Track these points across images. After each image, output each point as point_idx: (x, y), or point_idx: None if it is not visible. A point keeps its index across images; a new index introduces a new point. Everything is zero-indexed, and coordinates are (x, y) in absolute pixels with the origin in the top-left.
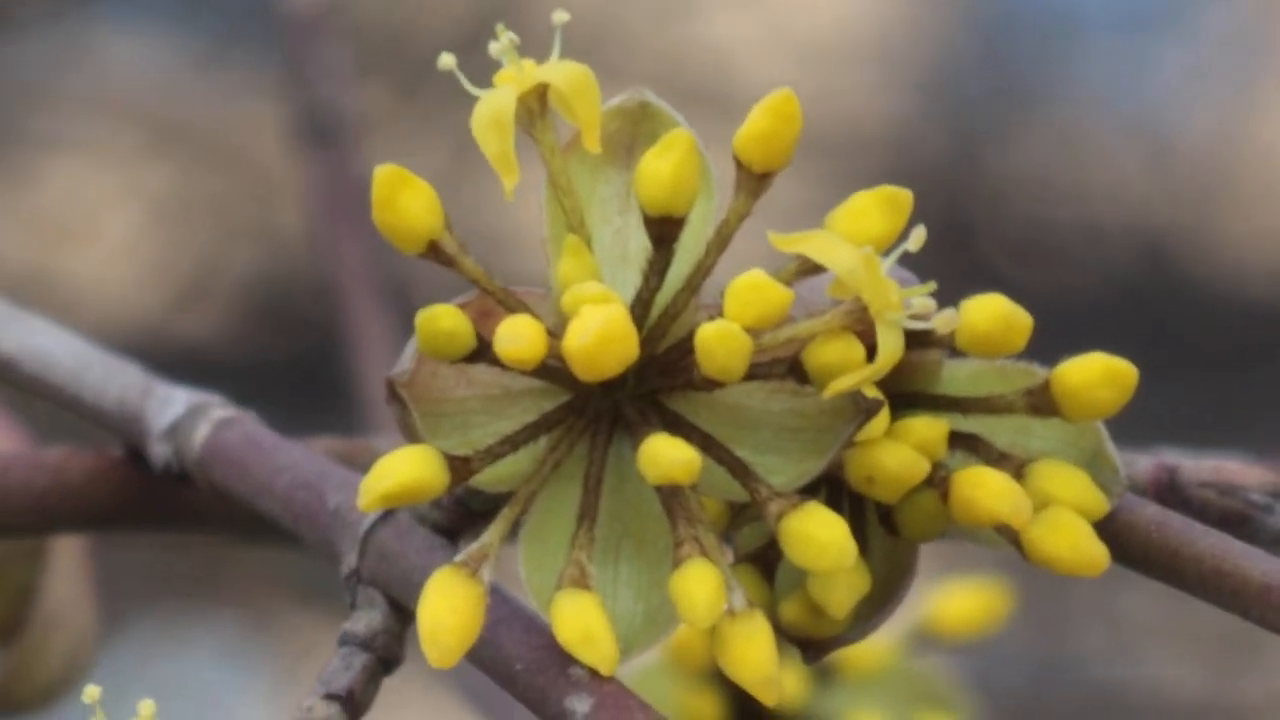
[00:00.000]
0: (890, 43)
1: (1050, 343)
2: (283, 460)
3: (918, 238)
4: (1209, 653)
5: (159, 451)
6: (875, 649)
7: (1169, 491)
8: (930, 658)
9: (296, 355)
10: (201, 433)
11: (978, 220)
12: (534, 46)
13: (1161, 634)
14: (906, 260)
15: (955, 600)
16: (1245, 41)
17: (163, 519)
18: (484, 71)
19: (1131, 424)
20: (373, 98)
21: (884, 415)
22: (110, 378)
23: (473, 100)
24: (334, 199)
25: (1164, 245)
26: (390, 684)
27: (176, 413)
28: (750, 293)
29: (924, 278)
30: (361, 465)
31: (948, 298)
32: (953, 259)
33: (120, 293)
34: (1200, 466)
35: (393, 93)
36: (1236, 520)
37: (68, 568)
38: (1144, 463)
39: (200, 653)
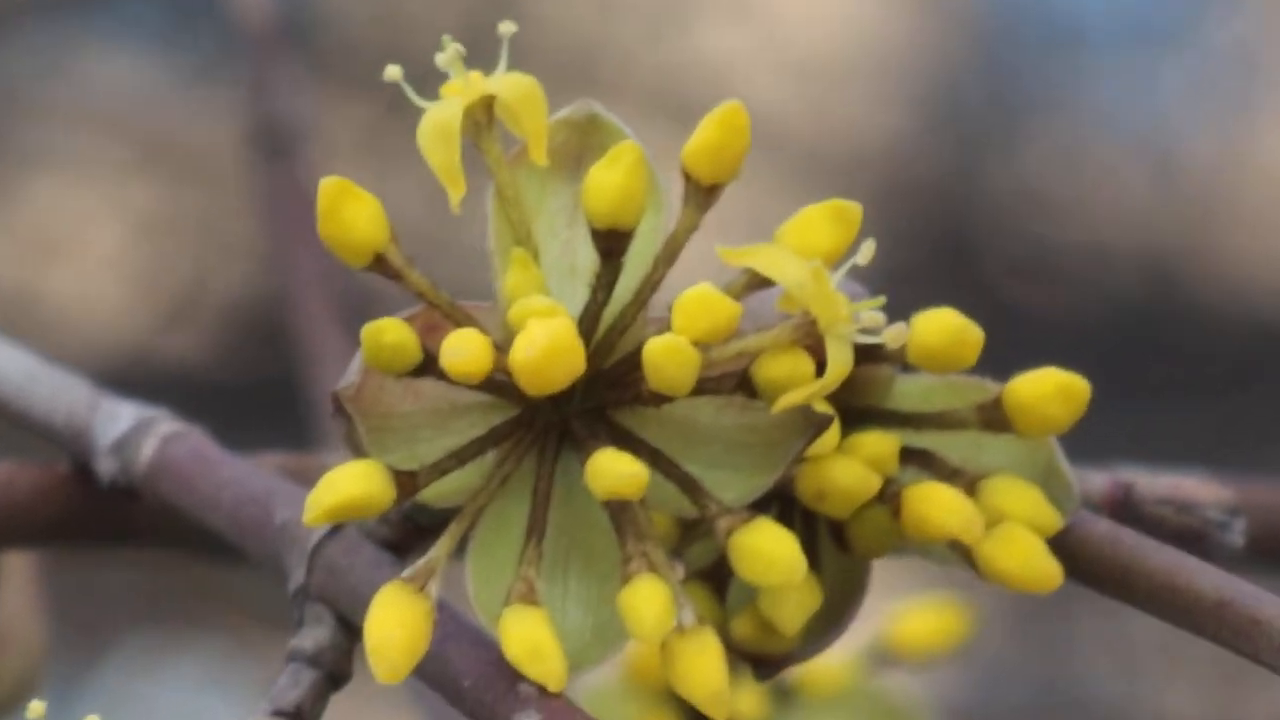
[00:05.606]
0: (888, 56)
1: (1052, 362)
2: (229, 475)
3: (867, 251)
4: (1213, 675)
5: (106, 466)
6: (836, 667)
7: (1124, 508)
8: (893, 676)
9: (286, 373)
10: (148, 447)
11: (979, 238)
12: (526, 56)
13: (1165, 655)
14: (907, 277)
15: (914, 619)
16: (1248, 58)
17: (110, 534)
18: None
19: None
20: (361, 115)
21: (835, 430)
22: (58, 392)
23: None
24: (290, 211)
25: (1167, 265)
26: (347, 701)
27: (123, 427)
28: (698, 306)
29: (922, 296)
30: (311, 480)
31: None
32: (953, 277)
33: (106, 310)
34: (1156, 483)
35: (380, 110)
36: (1192, 537)
37: (17, 584)
38: (1099, 479)
39: (184, 678)
